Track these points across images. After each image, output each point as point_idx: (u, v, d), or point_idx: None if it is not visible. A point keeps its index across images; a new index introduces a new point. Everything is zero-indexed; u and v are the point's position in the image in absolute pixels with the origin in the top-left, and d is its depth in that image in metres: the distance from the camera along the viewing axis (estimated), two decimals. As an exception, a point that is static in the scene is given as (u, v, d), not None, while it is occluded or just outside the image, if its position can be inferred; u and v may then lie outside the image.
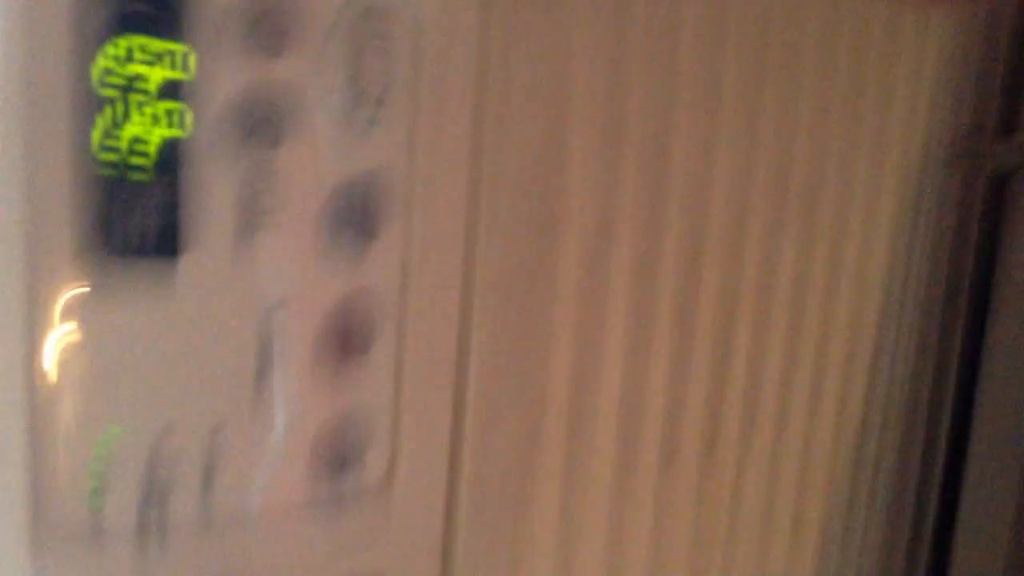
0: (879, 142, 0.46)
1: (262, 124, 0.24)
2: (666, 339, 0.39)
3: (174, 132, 0.23)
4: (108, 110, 0.22)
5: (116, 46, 0.22)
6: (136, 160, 0.22)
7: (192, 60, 0.23)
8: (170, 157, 0.23)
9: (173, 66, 0.22)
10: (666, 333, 0.39)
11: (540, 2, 0.30)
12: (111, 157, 0.22)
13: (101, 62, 0.22)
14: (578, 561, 0.38)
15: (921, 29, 0.46)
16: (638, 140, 0.35)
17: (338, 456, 0.28)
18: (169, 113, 0.23)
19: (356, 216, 0.26)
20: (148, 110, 0.23)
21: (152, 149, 0.23)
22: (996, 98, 0.56)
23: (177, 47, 0.22)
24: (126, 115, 0.22)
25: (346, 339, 0.27)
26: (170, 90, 0.23)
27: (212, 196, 0.24)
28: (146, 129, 0.23)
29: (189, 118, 0.23)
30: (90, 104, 0.22)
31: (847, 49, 0.43)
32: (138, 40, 0.22)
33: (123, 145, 0.22)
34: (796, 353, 0.47)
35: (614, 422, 0.38)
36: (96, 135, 0.22)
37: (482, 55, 0.28)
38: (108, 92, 0.22)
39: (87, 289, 0.23)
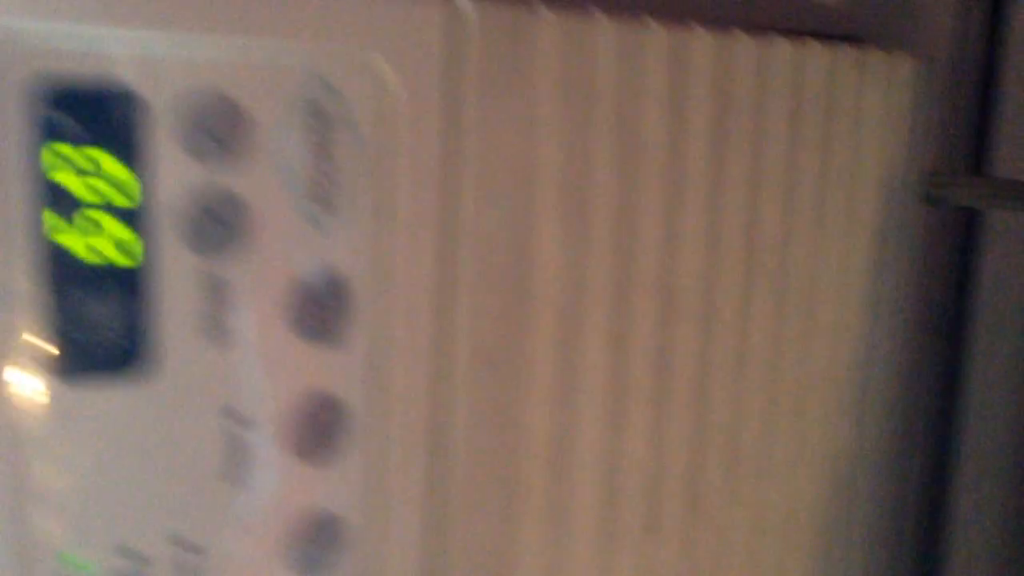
0: (849, 187, 0.46)
1: (214, 232, 0.23)
2: (644, 403, 0.38)
3: (112, 252, 0.22)
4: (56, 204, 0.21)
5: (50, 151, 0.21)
6: (108, 251, 0.22)
7: (126, 173, 0.22)
8: (122, 274, 0.22)
9: (110, 182, 0.22)
10: (643, 398, 0.38)
11: (502, 84, 0.29)
12: (82, 249, 0.21)
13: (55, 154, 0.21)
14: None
15: (889, 73, 0.46)
16: (605, 210, 0.34)
17: (312, 559, 0.27)
18: (116, 235, 0.22)
19: (317, 315, 0.26)
20: (87, 219, 0.22)
21: (105, 255, 0.22)
22: (966, 138, 0.57)
23: (112, 161, 0.22)
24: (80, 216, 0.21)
25: (315, 438, 0.26)
26: (108, 206, 0.22)
27: (167, 308, 0.23)
28: (93, 238, 0.22)
29: (130, 234, 0.22)
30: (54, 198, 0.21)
31: (813, 99, 0.43)
32: (64, 149, 0.21)
33: (97, 242, 0.22)
34: (775, 409, 0.46)
35: (595, 492, 0.37)
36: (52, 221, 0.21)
37: (446, 144, 0.28)
38: (72, 186, 0.21)
39: (43, 407, 0.22)
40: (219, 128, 0.23)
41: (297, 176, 0.25)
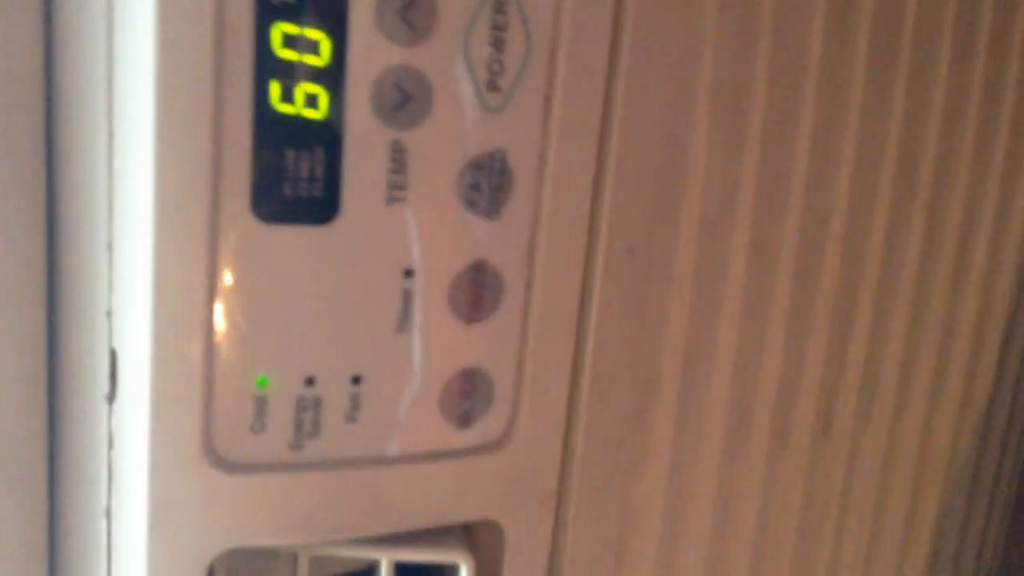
0: (1016, 126, 0.45)
1: (401, 106, 0.26)
2: (783, 317, 0.40)
3: (322, 111, 0.25)
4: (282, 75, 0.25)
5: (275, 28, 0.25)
6: (308, 115, 0.25)
7: (334, 47, 0.25)
8: (324, 132, 0.26)
9: (321, 52, 0.25)
10: (783, 312, 0.39)
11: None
12: (288, 109, 0.25)
13: (277, 31, 0.24)
14: (685, 533, 0.39)
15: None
16: (763, 121, 0.35)
17: (463, 412, 0.30)
18: (318, 94, 0.25)
19: (485, 191, 0.29)
20: (302, 88, 0.25)
21: (317, 116, 0.25)
22: None
23: (322, 36, 0.25)
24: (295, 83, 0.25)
25: (474, 303, 0.29)
26: (315, 74, 0.25)
27: (358, 170, 0.26)
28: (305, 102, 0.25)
29: (330, 101, 0.25)
30: (270, 67, 0.24)
31: (984, 28, 0.42)
32: (291, 25, 0.25)
33: (298, 103, 0.25)
34: (919, 339, 0.46)
35: (726, 400, 0.39)
36: (274, 91, 0.25)
37: (614, 41, 0.30)
38: (285, 56, 0.25)
39: (251, 243, 0.26)
40: (414, 14, 0.26)
41: (475, 63, 0.27)
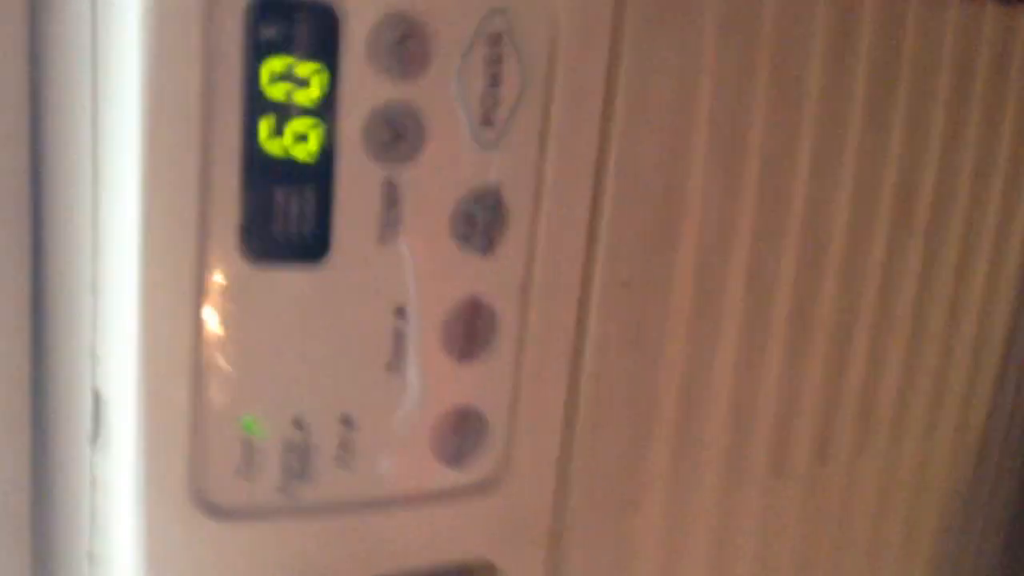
0: (1015, 153, 0.45)
1: (393, 143, 0.26)
2: (780, 346, 0.39)
3: (312, 148, 0.25)
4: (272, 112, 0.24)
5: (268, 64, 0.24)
6: (298, 153, 0.25)
7: (326, 81, 0.24)
8: (315, 170, 0.25)
9: (312, 87, 0.24)
10: (780, 340, 0.39)
11: (670, 22, 0.30)
12: (277, 148, 0.24)
13: (267, 68, 0.24)
14: (683, 566, 0.39)
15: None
16: (762, 147, 0.35)
17: (456, 451, 0.29)
18: (308, 131, 0.25)
19: (479, 227, 0.28)
20: (292, 125, 0.25)
21: (307, 153, 0.25)
22: None
23: (317, 68, 0.24)
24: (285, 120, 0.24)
25: (466, 341, 0.29)
26: (310, 109, 0.25)
27: (349, 208, 0.26)
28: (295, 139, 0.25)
29: (322, 138, 0.25)
30: (260, 104, 0.24)
31: (984, 58, 0.42)
32: (281, 61, 0.24)
33: (287, 141, 0.24)
34: (916, 365, 0.46)
35: (724, 430, 0.38)
36: (264, 129, 0.24)
37: (610, 73, 0.29)
38: (275, 94, 0.24)
39: (240, 284, 0.25)
40: (407, 48, 0.25)
41: (470, 98, 0.27)
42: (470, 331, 0.29)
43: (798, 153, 0.36)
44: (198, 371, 0.25)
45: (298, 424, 0.26)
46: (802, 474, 0.43)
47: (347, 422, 0.27)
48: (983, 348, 0.49)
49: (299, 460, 0.27)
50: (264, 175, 0.25)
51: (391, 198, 0.26)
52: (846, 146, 0.38)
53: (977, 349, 0.49)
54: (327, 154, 0.25)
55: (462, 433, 0.29)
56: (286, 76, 0.24)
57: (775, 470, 0.42)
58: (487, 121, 0.27)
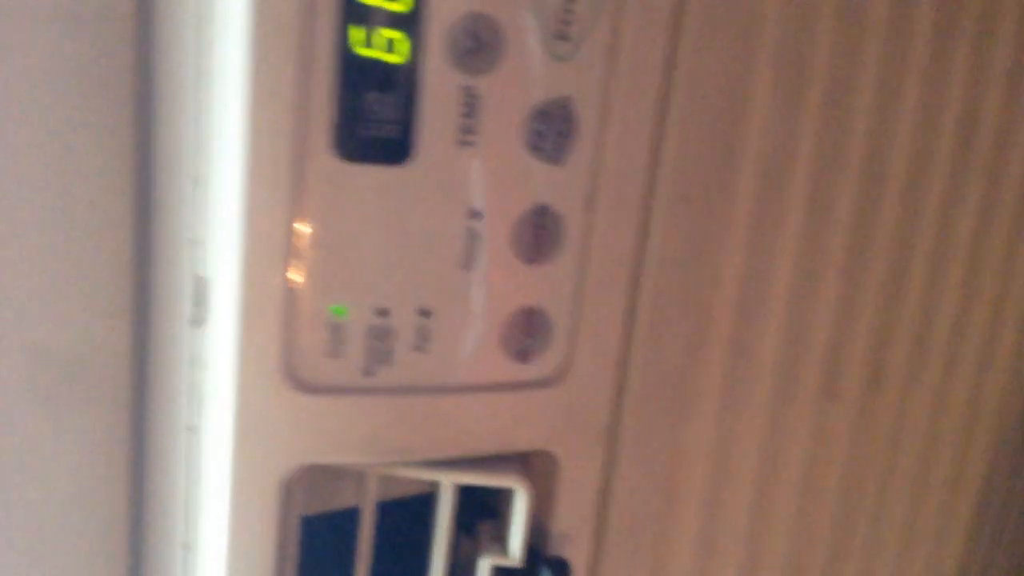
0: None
1: (474, 53, 0.28)
2: (837, 268, 0.40)
3: (400, 56, 0.27)
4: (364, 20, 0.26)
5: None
6: (388, 57, 0.27)
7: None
8: (401, 75, 0.27)
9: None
10: (837, 262, 0.40)
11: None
12: (368, 53, 0.27)
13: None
14: (732, 477, 0.41)
15: None
16: (825, 73, 0.36)
17: (522, 348, 0.32)
18: (396, 39, 0.27)
19: (550, 137, 0.30)
20: (382, 32, 0.27)
21: (396, 60, 0.27)
22: None
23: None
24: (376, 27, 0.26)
25: (535, 245, 0.31)
26: (393, 20, 0.27)
27: (432, 114, 0.28)
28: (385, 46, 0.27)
29: (409, 46, 0.27)
30: (353, 11, 0.26)
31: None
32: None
33: (377, 47, 0.27)
34: (973, 293, 0.47)
35: (777, 348, 0.40)
36: (356, 36, 0.26)
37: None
38: (368, 1, 0.26)
39: (331, 179, 0.27)
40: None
41: (546, 12, 0.28)
42: (538, 236, 0.31)
43: (861, 80, 0.37)
44: (293, 259, 0.28)
45: (381, 312, 0.29)
46: (853, 398, 0.45)
47: (425, 313, 0.30)
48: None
49: (381, 345, 0.29)
50: (355, 79, 0.27)
51: (470, 106, 0.28)
52: (908, 76, 0.39)
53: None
54: (413, 62, 0.27)
55: (528, 331, 0.31)
56: (378, -13, 0.26)
57: (827, 392, 0.43)
58: (561, 35, 0.29)
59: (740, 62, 0.33)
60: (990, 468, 0.52)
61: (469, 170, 0.29)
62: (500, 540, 0.33)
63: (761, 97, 0.34)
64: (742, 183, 0.35)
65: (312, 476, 0.31)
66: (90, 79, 0.31)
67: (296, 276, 0.28)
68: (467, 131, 0.29)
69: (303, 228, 0.28)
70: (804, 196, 0.37)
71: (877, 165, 0.39)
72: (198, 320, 0.30)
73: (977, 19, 0.39)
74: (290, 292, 0.28)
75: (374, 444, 0.30)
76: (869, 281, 0.42)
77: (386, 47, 0.27)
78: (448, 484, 0.32)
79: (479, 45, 0.28)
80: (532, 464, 0.33)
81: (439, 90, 0.28)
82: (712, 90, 0.33)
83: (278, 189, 0.27)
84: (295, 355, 0.28)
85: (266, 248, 0.27)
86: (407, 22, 0.27)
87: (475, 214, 0.30)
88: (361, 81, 0.27)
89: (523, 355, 0.32)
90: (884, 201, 0.41)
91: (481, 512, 0.34)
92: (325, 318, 0.28)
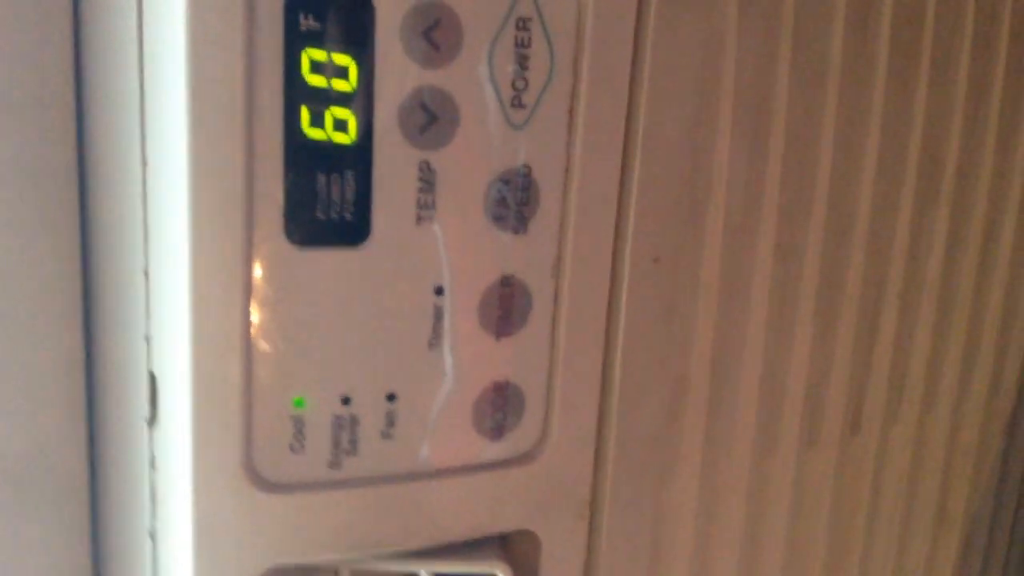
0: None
1: (428, 127, 0.27)
2: (810, 316, 0.40)
3: (351, 134, 0.26)
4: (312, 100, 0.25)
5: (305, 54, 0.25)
6: (338, 139, 0.26)
7: (363, 69, 0.25)
8: (354, 155, 0.26)
9: (350, 75, 0.25)
10: (810, 310, 0.40)
11: (693, 3, 0.31)
12: (318, 134, 0.25)
13: (307, 57, 0.25)
14: (718, 534, 0.40)
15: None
16: (786, 121, 0.36)
17: (495, 425, 0.30)
18: (347, 117, 0.26)
19: (512, 206, 0.29)
20: (332, 112, 0.26)
21: (347, 139, 0.26)
22: None
23: (350, 61, 0.25)
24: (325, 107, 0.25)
25: (503, 318, 0.30)
26: (341, 99, 0.26)
27: (388, 191, 0.27)
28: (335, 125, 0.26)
29: (359, 125, 0.26)
30: (301, 92, 0.25)
31: (1006, 22, 0.42)
32: (320, 51, 0.25)
33: (327, 127, 0.25)
34: (946, 331, 0.46)
35: (756, 400, 0.39)
36: (305, 117, 0.25)
37: (636, 53, 0.30)
38: (315, 82, 0.25)
39: (285, 266, 0.26)
40: (439, 35, 0.26)
41: (500, 81, 0.28)
42: (506, 308, 0.30)
43: (822, 125, 0.37)
44: (248, 351, 0.26)
45: (346, 400, 0.28)
46: (835, 443, 0.44)
47: (392, 398, 0.28)
48: (1011, 313, 0.49)
49: (347, 435, 0.28)
50: (306, 161, 0.26)
51: (427, 181, 0.27)
52: (870, 117, 0.38)
53: (1006, 314, 0.49)
54: (366, 139, 0.26)
55: (501, 407, 0.30)
56: (325, 65, 0.25)
57: (808, 439, 0.42)
58: (517, 103, 0.28)
59: (700, 116, 0.33)
60: (973, 502, 0.52)
61: (430, 246, 0.28)
62: (483, 627, 0.32)
63: (723, 150, 0.34)
64: (709, 239, 0.34)
65: (281, 576, 0.29)
66: (30, 170, 0.30)
67: (252, 369, 0.26)
68: (425, 206, 0.28)
69: (257, 318, 0.26)
70: (772, 246, 0.37)
71: (843, 210, 0.39)
72: (153, 419, 0.28)
73: (934, 63, 0.39)
74: (246, 386, 0.26)
75: (344, 539, 0.28)
76: (842, 325, 0.41)
77: (335, 127, 0.26)
78: (426, 575, 0.30)
79: (432, 118, 0.27)
80: (513, 545, 0.32)
81: (393, 167, 0.27)
82: (674, 146, 0.32)
83: (228, 279, 0.26)
84: (255, 452, 0.27)
85: (218, 341, 0.26)
86: (355, 100, 0.26)
87: (439, 290, 0.28)
88: (311, 163, 0.26)
89: (496, 432, 0.30)
90: (852, 245, 0.40)
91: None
92: (285, 411, 0.27)
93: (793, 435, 0.42)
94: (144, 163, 0.27)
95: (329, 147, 0.26)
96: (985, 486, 0.53)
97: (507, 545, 0.32)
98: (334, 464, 0.28)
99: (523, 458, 0.31)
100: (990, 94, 0.42)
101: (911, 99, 0.39)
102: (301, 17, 0.24)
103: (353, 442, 0.28)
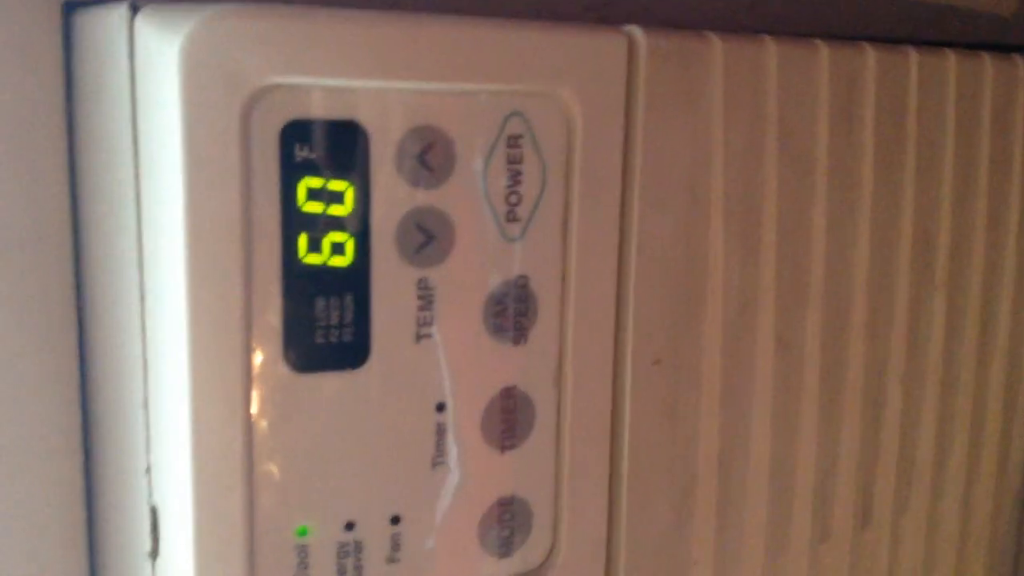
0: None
1: (425, 245, 0.27)
2: (814, 409, 0.39)
3: (349, 259, 0.26)
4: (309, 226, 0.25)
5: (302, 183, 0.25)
6: (336, 263, 0.26)
7: (359, 195, 0.26)
8: (352, 278, 0.26)
9: (346, 201, 0.26)
10: (814, 404, 0.39)
11: (679, 108, 0.32)
12: (316, 260, 0.25)
13: (303, 186, 0.25)
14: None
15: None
16: (777, 217, 0.36)
17: (503, 541, 0.30)
18: (344, 242, 0.26)
19: (511, 318, 0.29)
20: (329, 237, 0.26)
21: (344, 264, 0.26)
22: None
23: (345, 186, 0.26)
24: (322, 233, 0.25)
25: (506, 431, 0.29)
26: (337, 224, 0.26)
27: (386, 312, 0.27)
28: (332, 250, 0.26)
29: (356, 247, 0.26)
30: (298, 220, 0.25)
31: (987, 112, 0.43)
32: (316, 179, 0.25)
33: (325, 252, 0.25)
34: (950, 417, 0.46)
35: (765, 498, 0.38)
36: (302, 244, 0.25)
37: (625, 162, 0.30)
38: (311, 209, 0.25)
39: (286, 393, 0.26)
40: (432, 157, 0.26)
41: (494, 197, 0.28)
42: (509, 421, 0.29)
43: (813, 219, 0.37)
44: (251, 481, 0.26)
45: (349, 526, 0.27)
46: (846, 536, 0.43)
47: (396, 520, 0.28)
48: (1015, 392, 0.49)
49: (352, 562, 0.27)
50: (304, 286, 0.26)
51: (425, 299, 0.27)
52: (860, 207, 0.39)
53: (1008, 393, 0.49)
54: (363, 261, 0.26)
55: (508, 523, 0.30)
56: (321, 192, 0.25)
57: (819, 534, 0.42)
58: (512, 216, 0.28)
59: (692, 216, 0.33)
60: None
61: (430, 363, 0.28)
62: None
63: (716, 248, 0.34)
64: (709, 337, 0.34)
65: None
66: (28, 307, 0.29)
67: (254, 499, 0.26)
68: (424, 323, 0.27)
69: (258, 447, 0.26)
70: (771, 340, 0.37)
71: (840, 298, 0.39)
72: (155, 552, 0.28)
73: (919, 140, 0.40)
74: (249, 517, 0.26)
75: (353, 671, 0.27)
76: (846, 414, 0.41)
77: (332, 251, 0.26)
78: None
79: (429, 237, 0.27)
80: (525, 665, 0.31)
81: (391, 287, 0.27)
82: (668, 248, 0.32)
83: (228, 409, 0.25)
84: (260, 584, 0.26)
85: (219, 472, 0.26)
86: (352, 223, 0.26)
87: (440, 407, 0.28)
88: (309, 289, 0.26)
89: (504, 549, 0.30)
90: (851, 333, 0.40)
91: None
92: (288, 541, 0.26)
93: (805, 531, 0.41)
94: (142, 295, 0.27)
95: (327, 271, 0.26)
96: (1001, 570, 0.52)
97: (520, 666, 0.31)
98: (340, 593, 0.27)
99: (533, 574, 0.30)
100: (977, 176, 0.43)
101: (899, 187, 0.40)
102: (297, 148, 0.25)
103: (358, 568, 0.27)
